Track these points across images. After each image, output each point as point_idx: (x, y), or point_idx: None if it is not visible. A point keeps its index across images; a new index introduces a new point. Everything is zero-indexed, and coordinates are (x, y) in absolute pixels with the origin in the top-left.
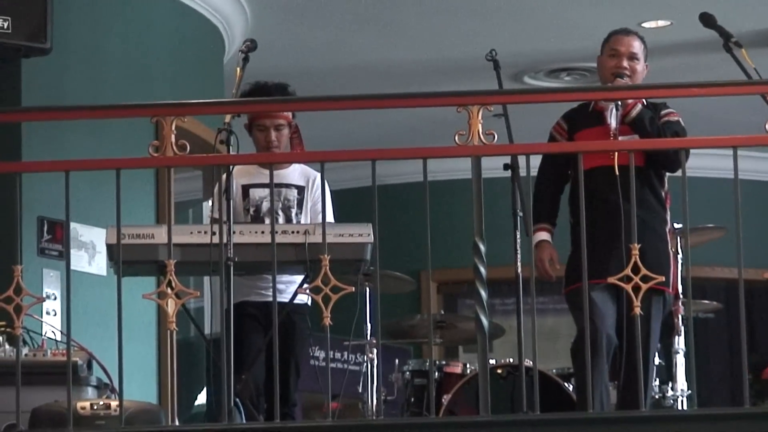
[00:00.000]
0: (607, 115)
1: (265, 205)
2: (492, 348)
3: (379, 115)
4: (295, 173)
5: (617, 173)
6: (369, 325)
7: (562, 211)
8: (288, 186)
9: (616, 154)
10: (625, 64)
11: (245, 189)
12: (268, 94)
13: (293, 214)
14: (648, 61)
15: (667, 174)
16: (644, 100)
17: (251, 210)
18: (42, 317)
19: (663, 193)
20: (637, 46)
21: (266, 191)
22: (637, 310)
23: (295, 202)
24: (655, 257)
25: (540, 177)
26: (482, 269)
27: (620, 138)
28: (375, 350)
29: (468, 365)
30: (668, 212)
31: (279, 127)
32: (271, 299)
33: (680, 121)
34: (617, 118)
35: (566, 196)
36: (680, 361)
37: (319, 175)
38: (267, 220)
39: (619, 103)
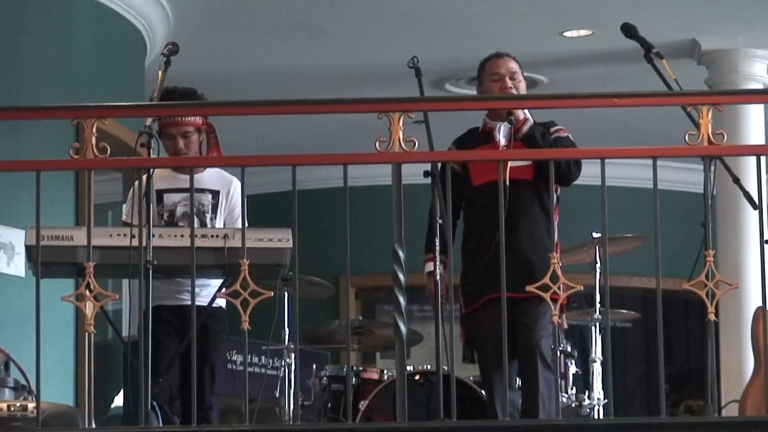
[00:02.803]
0: (495, 134)
1: (179, 210)
2: (410, 354)
3: (300, 120)
4: (212, 178)
5: (508, 185)
6: (287, 329)
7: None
8: (202, 191)
9: (508, 169)
10: (510, 84)
11: (159, 194)
12: (173, 100)
13: (208, 219)
14: (564, 70)
15: (560, 188)
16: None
17: (165, 215)
18: None
19: (552, 207)
20: (514, 66)
21: (180, 196)
22: (556, 319)
23: (210, 207)
24: (545, 268)
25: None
26: (401, 276)
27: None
28: (293, 355)
29: (385, 371)
30: (556, 227)
31: (187, 135)
32: (186, 302)
33: (569, 136)
34: (507, 136)
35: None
36: (597, 369)
37: (235, 180)
38: (180, 225)
39: (507, 121)
